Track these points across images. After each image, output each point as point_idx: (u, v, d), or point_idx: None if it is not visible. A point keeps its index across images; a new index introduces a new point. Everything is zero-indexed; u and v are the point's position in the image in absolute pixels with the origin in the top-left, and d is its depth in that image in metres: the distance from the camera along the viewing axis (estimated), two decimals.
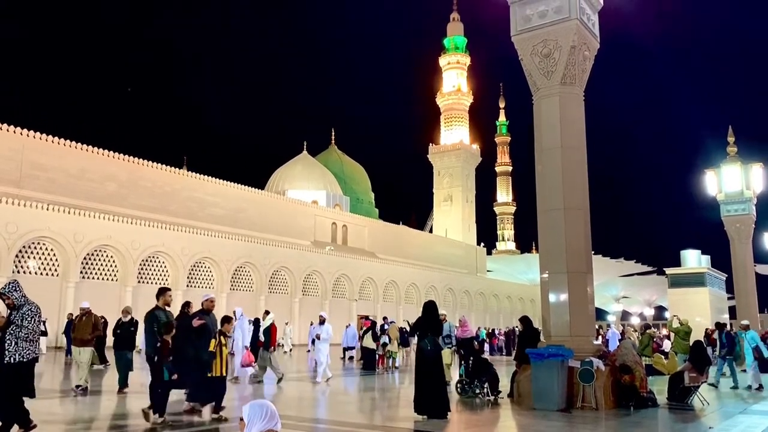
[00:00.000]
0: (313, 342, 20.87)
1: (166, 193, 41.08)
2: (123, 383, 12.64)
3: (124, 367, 12.87)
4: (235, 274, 40.38)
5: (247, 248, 40.90)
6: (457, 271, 66.28)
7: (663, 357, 20.37)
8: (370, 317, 25.50)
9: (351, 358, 25.50)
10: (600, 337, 24.01)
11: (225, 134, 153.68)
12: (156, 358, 9.01)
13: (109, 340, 16.81)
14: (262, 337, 15.70)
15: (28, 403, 7.41)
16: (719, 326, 22.84)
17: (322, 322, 16.45)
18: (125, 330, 13.40)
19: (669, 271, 40.47)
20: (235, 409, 9.98)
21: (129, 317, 13.59)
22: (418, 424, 9.31)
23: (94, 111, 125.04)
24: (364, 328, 21.85)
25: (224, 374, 9.75)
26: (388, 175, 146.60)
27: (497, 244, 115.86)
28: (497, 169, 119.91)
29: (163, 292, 10.08)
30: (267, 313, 16.94)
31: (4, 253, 28.77)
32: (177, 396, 9.96)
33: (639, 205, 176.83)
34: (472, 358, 13.10)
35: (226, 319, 10.25)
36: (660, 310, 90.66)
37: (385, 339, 20.97)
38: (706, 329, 28.40)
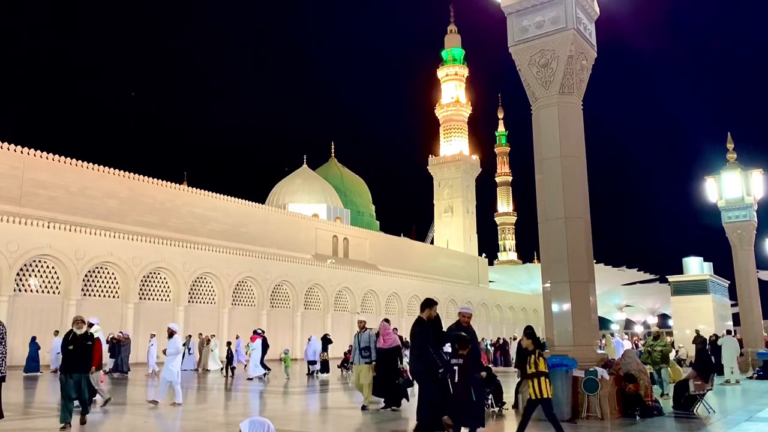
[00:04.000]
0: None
1: (166, 209, 41.11)
2: (85, 407, 10.61)
3: (83, 393, 10.52)
4: (237, 289, 40.30)
5: (248, 263, 40.84)
6: (458, 282, 66.15)
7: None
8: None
9: (314, 372, 24.79)
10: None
11: (225, 149, 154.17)
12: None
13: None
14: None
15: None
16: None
17: (170, 335, 14.32)
18: (81, 345, 10.63)
19: (671, 278, 40.42)
20: None
21: (84, 329, 10.81)
22: None
23: (94, 128, 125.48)
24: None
25: (539, 396, 8.57)
26: (388, 187, 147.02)
27: (499, 254, 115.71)
28: (497, 179, 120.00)
29: (430, 304, 9.06)
30: (90, 325, 13.60)
31: (5, 272, 28.72)
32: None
33: (640, 213, 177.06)
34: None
35: (530, 335, 9.07)
36: (663, 318, 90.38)
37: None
38: (710, 336, 28.33)
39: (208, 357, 28.96)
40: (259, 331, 24.60)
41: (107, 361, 23.82)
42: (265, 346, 23.80)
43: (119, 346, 25.68)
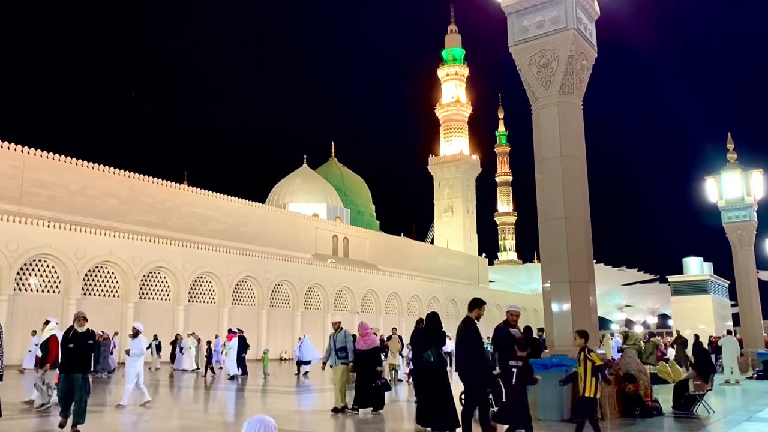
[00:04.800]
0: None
1: (166, 209, 41.10)
2: (80, 416, 9.67)
3: (81, 395, 9.73)
4: (237, 288, 40.31)
5: (248, 262, 40.85)
6: (458, 282, 66.12)
7: (667, 365, 20.28)
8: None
9: (306, 373, 24.25)
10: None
11: (225, 149, 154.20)
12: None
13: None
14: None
15: None
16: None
17: (135, 334, 13.83)
18: (82, 344, 9.81)
19: (671, 278, 40.48)
20: None
21: (86, 327, 9.98)
22: None
23: (94, 128, 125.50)
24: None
25: (590, 395, 8.46)
26: (388, 186, 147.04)
27: (499, 254, 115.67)
28: (497, 179, 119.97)
29: (479, 304, 8.91)
30: (47, 322, 13.16)
31: (5, 271, 28.73)
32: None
33: (640, 213, 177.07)
34: None
35: (582, 334, 8.76)
36: (663, 318, 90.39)
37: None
38: (710, 336, 28.33)
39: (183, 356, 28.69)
40: (236, 330, 24.45)
41: None
42: (243, 345, 23.61)
43: (97, 346, 25.44)
